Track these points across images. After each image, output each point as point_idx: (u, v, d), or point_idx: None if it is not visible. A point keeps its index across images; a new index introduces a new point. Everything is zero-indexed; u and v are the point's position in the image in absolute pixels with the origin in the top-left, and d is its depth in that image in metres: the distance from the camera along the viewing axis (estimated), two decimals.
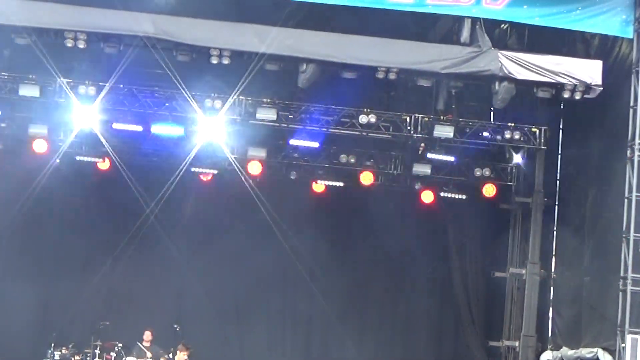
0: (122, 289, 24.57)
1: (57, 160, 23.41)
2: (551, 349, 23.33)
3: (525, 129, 22.53)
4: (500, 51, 20.49)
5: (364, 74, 20.90)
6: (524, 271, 23.69)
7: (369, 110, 22.15)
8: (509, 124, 22.50)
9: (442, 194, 24.00)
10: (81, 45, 20.27)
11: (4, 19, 19.87)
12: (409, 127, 22.28)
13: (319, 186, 24.20)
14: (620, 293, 20.19)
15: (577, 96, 20.89)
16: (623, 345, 20.03)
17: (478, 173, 23.51)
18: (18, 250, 24.34)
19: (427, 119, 22.23)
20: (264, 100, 21.95)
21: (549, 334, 23.78)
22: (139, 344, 22.68)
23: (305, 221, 24.33)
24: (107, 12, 20.08)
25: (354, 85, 21.50)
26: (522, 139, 22.51)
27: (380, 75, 20.77)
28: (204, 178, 24.07)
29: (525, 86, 20.97)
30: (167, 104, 22.04)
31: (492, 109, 23.34)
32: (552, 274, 23.99)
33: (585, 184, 22.72)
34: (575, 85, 20.71)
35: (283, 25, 20.44)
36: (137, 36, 20.36)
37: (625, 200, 20.35)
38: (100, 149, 23.12)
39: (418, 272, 25.22)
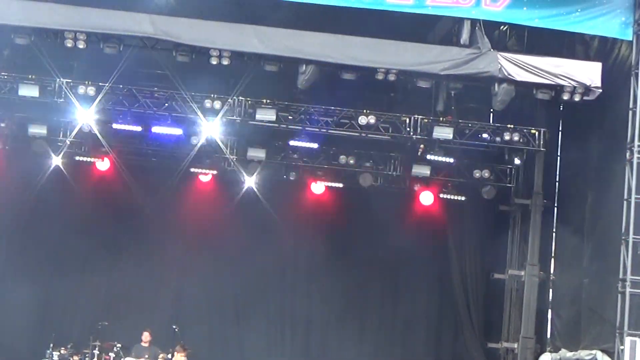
0: (121, 290, 24.60)
1: (57, 160, 23.49)
2: (550, 351, 23.29)
3: (525, 130, 22.53)
4: (500, 53, 20.44)
5: (363, 75, 20.86)
6: (523, 273, 23.66)
7: (368, 111, 22.14)
8: (509, 125, 22.50)
9: (441, 195, 24.03)
10: (81, 45, 20.24)
11: (4, 19, 19.84)
12: (408, 129, 22.27)
13: (318, 187, 24.20)
14: (619, 295, 20.14)
15: (577, 98, 20.83)
16: (622, 347, 19.97)
17: (477, 174, 23.54)
18: (17, 250, 24.35)
19: (426, 120, 22.22)
20: (264, 101, 21.95)
21: (548, 336, 23.75)
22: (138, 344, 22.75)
23: (304, 222, 24.35)
24: (106, 12, 20.05)
25: (354, 86, 21.49)
26: (521, 140, 22.51)
27: (380, 77, 20.75)
28: (203, 179, 24.07)
29: (524, 88, 20.91)
30: (166, 105, 22.05)
31: (491, 110, 23.34)
32: (551, 275, 23.98)
33: (584, 185, 22.69)
34: (575, 87, 20.65)
35: (283, 26, 20.45)
36: (137, 36, 20.35)
37: (625, 202, 20.32)
38: (100, 149, 23.16)
39: (417, 274, 25.22)
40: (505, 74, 20.37)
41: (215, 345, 24.77)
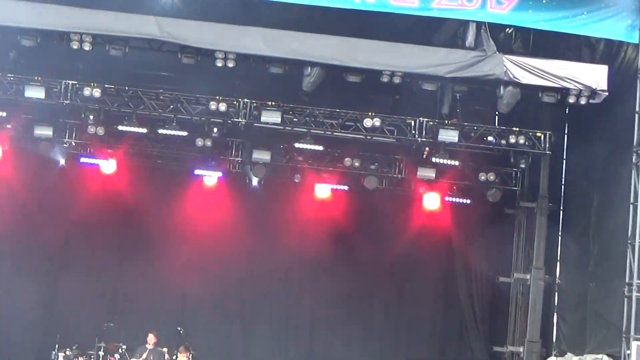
0: (126, 291, 24.64)
1: (63, 162, 23.54)
2: (556, 355, 23.25)
3: (530, 133, 22.46)
4: (505, 55, 20.42)
5: (368, 77, 20.87)
6: (528, 276, 23.61)
7: (373, 114, 22.11)
8: (514, 128, 22.42)
9: (446, 198, 23.99)
10: (87, 47, 20.28)
11: (11, 21, 19.93)
12: (413, 131, 22.23)
13: (323, 189, 24.18)
14: (626, 299, 20.13)
15: (583, 101, 20.80)
16: (628, 351, 19.94)
17: (483, 177, 23.48)
18: (23, 251, 24.38)
19: (431, 123, 22.18)
20: (269, 103, 21.95)
21: (554, 340, 23.71)
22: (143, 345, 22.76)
23: (309, 224, 24.30)
24: (112, 14, 20.11)
25: (359, 88, 21.50)
26: (526, 143, 22.44)
27: (385, 79, 20.74)
28: (208, 181, 24.07)
29: (530, 91, 20.88)
30: (172, 106, 22.06)
31: (496, 113, 23.29)
32: (557, 279, 23.93)
33: (590, 189, 22.66)
34: (581, 90, 20.61)
35: (288, 29, 20.46)
36: (143, 38, 20.39)
37: (631, 206, 20.29)
38: (105, 150, 23.16)
39: (422, 277, 25.19)
40: (511, 76, 20.35)
41: (220, 347, 24.77)
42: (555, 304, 23.91)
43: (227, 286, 24.81)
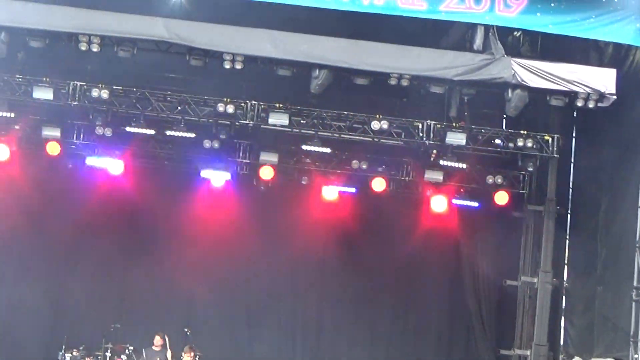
0: (133, 292, 24.64)
1: (70, 163, 23.59)
2: (563, 359, 23.22)
3: (538, 136, 22.43)
4: (513, 59, 20.38)
5: (376, 80, 20.85)
6: (535, 280, 23.55)
7: (381, 116, 22.10)
8: (522, 131, 22.40)
9: (454, 201, 23.95)
10: (95, 48, 20.28)
11: (19, 23, 19.95)
12: (421, 134, 22.20)
13: (330, 192, 24.17)
14: (634, 303, 20.13)
15: (591, 105, 20.74)
16: (636, 356, 19.95)
17: (490, 180, 23.45)
18: (30, 252, 24.40)
19: (439, 125, 22.15)
20: (277, 105, 21.95)
21: (561, 343, 23.68)
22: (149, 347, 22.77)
23: (316, 226, 24.29)
24: (121, 16, 20.10)
25: (367, 91, 21.49)
26: (534, 146, 22.40)
27: (393, 82, 20.71)
28: (215, 182, 24.07)
29: (538, 94, 20.86)
30: (179, 108, 22.09)
31: (504, 116, 23.26)
32: (565, 282, 23.90)
33: (598, 192, 22.64)
34: (589, 93, 20.56)
35: (296, 31, 20.46)
36: (151, 40, 20.40)
37: (639, 209, 20.27)
38: (113, 152, 23.19)
39: (429, 280, 25.15)
40: (519, 80, 20.31)
41: (227, 349, 24.75)
42: (563, 307, 23.87)
43: (234, 288, 24.82)
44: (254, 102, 21.89)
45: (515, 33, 21.91)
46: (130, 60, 20.84)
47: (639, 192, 20.31)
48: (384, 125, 22.03)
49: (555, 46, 21.40)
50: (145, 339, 22.91)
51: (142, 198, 24.02)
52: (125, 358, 22.95)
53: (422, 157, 23.38)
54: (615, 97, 20.57)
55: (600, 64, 21.27)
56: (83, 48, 20.28)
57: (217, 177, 23.82)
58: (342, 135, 22.56)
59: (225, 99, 21.82)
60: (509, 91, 20.69)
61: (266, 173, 23.24)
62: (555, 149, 22.56)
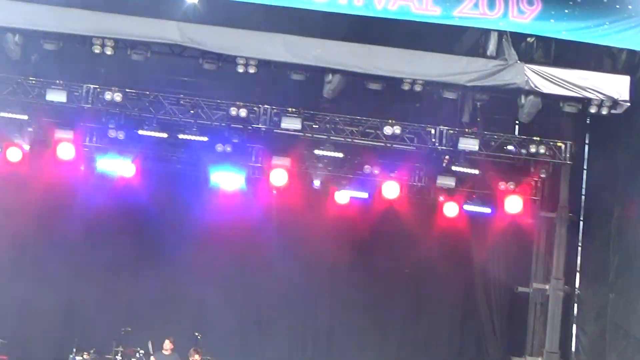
0: (144, 296, 24.62)
1: (82, 166, 23.63)
2: None
3: (551, 143, 22.40)
4: (527, 65, 20.34)
5: (389, 85, 20.83)
6: (547, 286, 23.46)
7: (393, 121, 22.10)
8: (534, 138, 22.37)
9: (465, 207, 23.91)
10: (109, 51, 20.34)
11: (33, 25, 20.02)
12: (433, 140, 22.19)
13: (342, 196, 24.17)
14: None
15: (604, 111, 20.67)
16: None
17: (502, 187, 23.39)
18: (42, 254, 24.46)
19: (452, 131, 22.13)
20: (289, 109, 21.97)
21: (573, 351, 23.59)
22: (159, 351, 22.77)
23: (328, 231, 24.28)
24: (135, 19, 20.13)
25: (380, 96, 21.48)
26: (547, 153, 22.38)
27: (406, 87, 20.69)
28: (227, 186, 24.06)
29: (551, 100, 20.80)
30: (192, 112, 22.12)
31: (517, 122, 23.25)
32: (576, 290, 23.81)
33: (610, 199, 22.56)
34: (602, 100, 20.50)
35: (310, 36, 20.47)
36: (164, 44, 20.43)
37: None
38: (125, 155, 23.21)
39: (440, 285, 25.11)
40: (532, 86, 20.27)
41: (237, 354, 24.76)
42: (575, 314, 23.78)
43: (245, 292, 24.84)
44: (266, 106, 21.92)
45: (528, 39, 21.88)
46: (143, 63, 20.89)
47: None
48: (397, 130, 22.03)
49: (569, 52, 21.36)
50: (156, 342, 22.83)
51: (153, 201, 24.07)
52: None
53: (434, 163, 23.35)
54: (628, 104, 20.51)
55: (614, 70, 21.19)
56: (97, 51, 20.33)
57: (229, 181, 23.80)
58: (355, 140, 22.54)
59: (238, 103, 21.84)
60: (522, 97, 20.65)
61: (278, 177, 23.23)
62: (567, 155, 22.53)
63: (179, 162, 23.92)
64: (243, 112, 21.79)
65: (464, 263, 24.90)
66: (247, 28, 20.40)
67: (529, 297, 24.02)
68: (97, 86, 21.68)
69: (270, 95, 22.28)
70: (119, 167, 23.37)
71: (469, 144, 22.00)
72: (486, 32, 20.67)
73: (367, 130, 22.37)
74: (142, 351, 23.01)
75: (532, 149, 22.33)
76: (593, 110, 20.72)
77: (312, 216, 24.12)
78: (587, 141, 23.77)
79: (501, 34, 20.42)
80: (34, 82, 21.71)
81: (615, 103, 20.54)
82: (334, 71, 20.43)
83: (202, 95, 22.25)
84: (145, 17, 20.18)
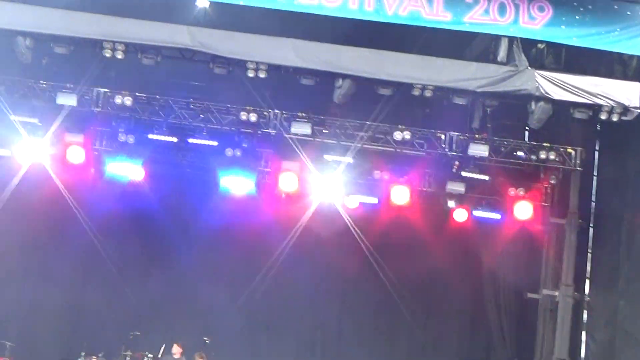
0: (152, 300, 24.66)
1: (92, 169, 23.66)
2: None
3: (561, 149, 22.38)
4: (537, 71, 20.27)
5: (399, 90, 20.82)
6: (557, 293, 23.48)
7: (403, 127, 22.10)
8: (544, 144, 22.35)
9: (475, 213, 23.87)
10: (119, 55, 20.33)
11: (44, 29, 20.05)
12: (443, 145, 22.22)
13: (352, 202, 24.14)
14: None
15: (615, 118, 20.60)
16: None
17: (512, 193, 23.36)
18: (51, 257, 24.48)
19: (462, 137, 22.14)
20: (299, 114, 21.98)
21: (582, 358, 23.53)
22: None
23: (337, 236, 24.26)
24: (145, 23, 20.12)
25: (390, 101, 21.46)
26: (557, 159, 22.35)
27: (416, 93, 20.68)
28: (237, 191, 24.07)
29: (561, 106, 20.73)
30: (202, 116, 22.13)
31: (527, 128, 23.21)
32: (586, 296, 23.76)
33: (621, 206, 22.52)
34: (613, 106, 20.42)
35: (320, 41, 20.47)
36: (175, 48, 20.44)
37: None
38: (135, 158, 23.23)
39: (450, 291, 25.08)
40: (543, 92, 20.21)
41: (245, 359, 24.73)
42: (584, 321, 23.72)
43: (254, 296, 24.78)
44: (276, 111, 21.96)
45: (539, 45, 21.74)
46: (154, 67, 20.90)
47: None
48: (407, 135, 22.04)
49: (579, 59, 21.27)
50: (165, 346, 22.86)
51: (163, 205, 24.11)
52: None
53: (444, 168, 23.34)
54: (639, 110, 20.43)
55: (625, 77, 21.11)
56: (107, 55, 20.34)
57: (238, 186, 23.80)
58: (365, 145, 22.53)
59: (248, 108, 21.88)
60: (533, 103, 20.59)
61: (288, 182, 23.22)
62: (578, 161, 22.50)
63: (188, 167, 23.93)
64: (253, 117, 21.83)
65: (473, 269, 24.85)
66: (258, 33, 20.38)
67: (539, 303, 23.99)
68: (108, 90, 21.74)
69: (280, 100, 22.28)
70: (129, 170, 23.40)
71: (479, 150, 21.98)
72: (497, 38, 20.60)
73: (377, 136, 22.37)
74: (150, 355, 23.01)
75: (542, 155, 22.31)
76: (603, 116, 20.65)
77: (322, 220, 24.06)
78: (597, 147, 23.74)
79: (512, 39, 20.37)
80: (44, 85, 21.76)
81: (625, 110, 20.47)
82: (344, 76, 20.42)
83: (212, 99, 22.29)
84: (156, 21, 20.18)
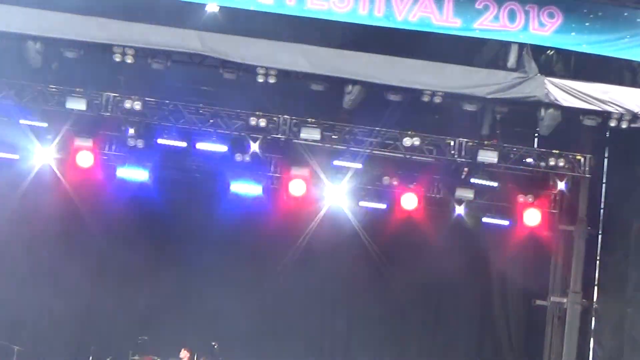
0: (160, 305, 24.63)
1: (101, 173, 23.67)
2: None
3: (570, 156, 22.32)
4: (547, 77, 20.29)
5: (409, 96, 20.83)
6: (565, 300, 23.43)
7: (413, 133, 22.09)
8: (554, 150, 22.31)
9: (484, 219, 23.85)
10: (129, 60, 20.35)
11: (54, 33, 20.09)
12: (452, 151, 22.16)
13: (360, 207, 24.12)
14: None
15: (624, 125, 20.59)
16: None
17: (521, 199, 23.33)
18: (59, 262, 24.43)
19: (471, 143, 22.08)
20: (309, 120, 21.99)
21: None
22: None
23: (345, 242, 24.26)
24: (155, 28, 20.16)
25: (399, 107, 21.46)
26: (566, 166, 22.30)
27: (426, 99, 20.66)
28: (246, 196, 24.08)
29: (571, 113, 20.73)
30: (211, 121, 22.14)
31: (536, 135, 23.20)
32: (594, 303, 23.73)
33: (629, 213, 22.50)
34: (622, 114, 20.43)
35: (330, 47, 20.48)
36: (185, 53, 20.47)
37: None
38: (144, 163, 23.25)
39: (458, 298, 25.07)
40: (552, 99, 20.22)
41: None
42: (592, 328, 23.69)
43: (262, 301, 24.78)
44: (286, 116, 21.90)
45: (548, 52, 21.77)
46: (163, 72, 20.93)
47: None
48: (416, 141, 22.01)
49: (589, 65, 21.28)
50: (173, 351, 22.88)
51: (172, 210, 24.10)
52: None
53: (453, 175, 23.31)
54: None
55: (634, 84, 21.09)
56: (117, 59, 20.36)
57: (247, 191, 23.80)
58: (374, 151, 22.53)
59: (257, 113, 21.85)
60: (542, 110, 20.59)
61: (297, 188, 23.23)
62: (587, 168, 22.42)
63: (197, 171, 23.94)
64: (262, 122, 21.81)
65: (482, 275, 24.83)
66: (268, 38, 20.40)
67: (547, 310, 23.96)
68: (117, 94, 21.71)
69: (290, 105, 22.29)
70: (138, 175, 23.38)
71: (488, 156, 21.94)
72: (506, 45, 20.63)
73: (387, 142, 22.32)
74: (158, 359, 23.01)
75: (551, 162, 22.24)
76: (613, 123, 20.64)
77: (330, 226, 24.06)
78: (606, 154, 23.74)
79: (522, 46, 20.38)
80: (54, 90, 21.75)
81: (635, 117, 20.48)
82: (354, 82, 20.43)
83: (221, 104, 22.27)
84: (165, 26, 20.20)
